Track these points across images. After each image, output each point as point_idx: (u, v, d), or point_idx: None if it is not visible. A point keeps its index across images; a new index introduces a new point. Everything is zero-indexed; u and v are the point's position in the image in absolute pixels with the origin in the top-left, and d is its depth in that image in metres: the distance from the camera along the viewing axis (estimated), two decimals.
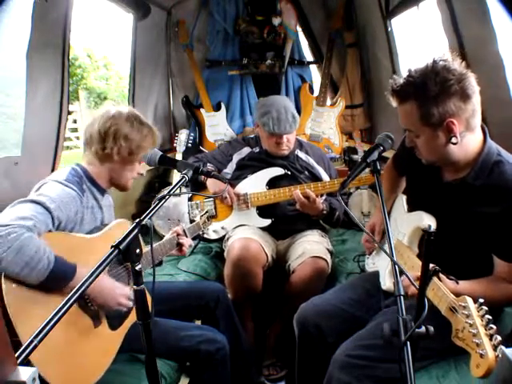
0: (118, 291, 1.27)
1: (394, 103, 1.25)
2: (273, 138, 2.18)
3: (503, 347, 0.82)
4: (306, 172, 2.29)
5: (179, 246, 1.65)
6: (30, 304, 1.08)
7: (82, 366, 1.19)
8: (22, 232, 1.06)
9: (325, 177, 2.30)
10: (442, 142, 1.19)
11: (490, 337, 0.87)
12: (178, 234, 1.65)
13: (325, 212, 2.15)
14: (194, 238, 1.83)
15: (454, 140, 1.18)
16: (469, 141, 1.21)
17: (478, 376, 0.86)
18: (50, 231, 1.20)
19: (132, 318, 1.37)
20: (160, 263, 1.67)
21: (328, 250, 2.10)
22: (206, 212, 1.90)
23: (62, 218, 1.23)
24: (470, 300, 0.96)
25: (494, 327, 0.88)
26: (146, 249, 1.37)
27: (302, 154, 2.33)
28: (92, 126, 1.42)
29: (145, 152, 1.43)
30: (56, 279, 1.11)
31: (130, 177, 1.49)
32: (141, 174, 1.53)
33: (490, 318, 0.89)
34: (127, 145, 1.40)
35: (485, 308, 0.91)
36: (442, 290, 1.07)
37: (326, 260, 1.99)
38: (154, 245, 1.48)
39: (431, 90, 1.13)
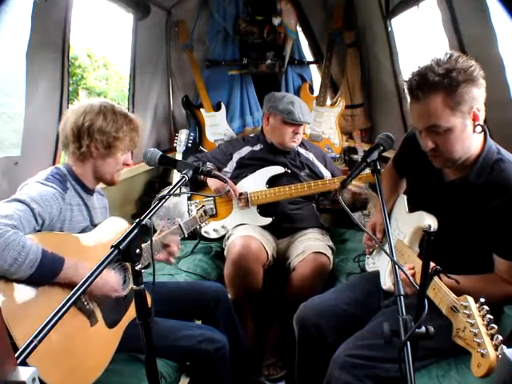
0: (111, 279, 1.27)
1: (413, 101, 1.19)
2: (291, 127, 2.22)
3: (504, 347, 0.83)
4: (307, 169, 2.30)
5: (165, 247, 1.55)
6: (25, 306, 1.08)
7: (81, 365, 1.18)
8: (7, 229, 1.06)
9: (325, 173, 2.33)
10: (470, 132, 1.18)
11: (492, 336, 0.87)
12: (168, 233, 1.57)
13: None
14: (192, 236, 1.81)
15: (478, 129, 1.18)
16: (473, 139, 1.21)
17: (479, 376, 0.86)
18: (39, 231, 1.20)
19: (129, 315, 1.37)
20: (147, 266, 1.56)
21: (329, 246, 2.10)
22: (203, 206, 1.89)
23: (44, 215, 1.21)
24: (471, 299, 0.96)
25: (496, 327, 0.88)
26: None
27: (302, 150, 2.35)
28: (65, 125, 1.39)
29: (123, 142, 1.39)
30: (45, 272, 1.11)
31: (115, 170, 1.44)
32: (127, 164, 1.48)
33: (491, 317, 0.89)
34: (103, 138, 1.36)
35: (486, 308, 0.91)
36: (443, 290, 1.07)
37: (327, 256, 1.99)
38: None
39: (458, 77, 1.12)
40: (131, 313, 1.37)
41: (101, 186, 1.54)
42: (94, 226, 1.44)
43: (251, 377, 1.89)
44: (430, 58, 1.18)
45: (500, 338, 0.86)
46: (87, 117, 1.36)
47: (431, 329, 0.86)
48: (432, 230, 0.83)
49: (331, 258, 2.04)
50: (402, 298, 0.92)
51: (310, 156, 2.34)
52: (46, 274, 1.12)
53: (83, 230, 1.37)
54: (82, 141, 1.36)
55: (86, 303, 1.23)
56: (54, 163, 1.97)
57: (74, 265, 1.17)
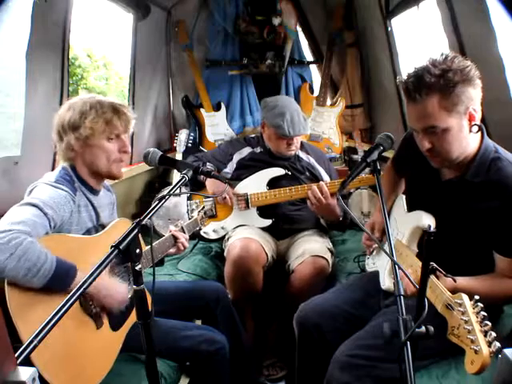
0: (117, 291, 1.26)
1: (409, 103, 1.20)
2: (284, 139, 2.19)
3: (497, 343, 0.83)
4: (307, 173, 2.29)
5: (175, 240, 1.60)
6: (34, 307, 1.08)
7: (86, 367, 1.18)
8: (24, 238, 1.05)
9: (325, 177, 2.30)
10: (466, 132, 1.19)
11: (485, 333, 0.87)
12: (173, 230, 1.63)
13: (341, 218, 2.16)
14: (191, 236, 1.82)
15: (474, 129, 1.19)
16: (469, 139, 1.21)
17: (473, 372, 0.86)
18: (47, 233, 1.19)
19: (133, 318, 1.37)
20: (162, 262, 1.66)
21: (328, 249, 2.10)
22: (203, 207, 1.90)
23: (57, 219, 1.21)
24: (465, 297, 0.96)
25: (489, 323, 0.88)
26: (145, 248, 1.37)
27: (302, 154, 2.34)
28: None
29: (97, 128, 1.33)
30: (58, 281, 1.10)
31: (109, 161, 1.37)
32: (125, 151, 1.40)
33: (485, 314, 0.89)
34: (77, 130, 1.32)
35: (480, 305, 0.91)
36: (439, 288, 1.07)
37: (326, 259, 1.99)
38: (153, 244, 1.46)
39: (454, 78, 1.12)
40: (134, 316, 1.37)
41: (108, 181, 1.52)
42: (101, 225, 1.43)
43: (251, 377, 1.89)
44: (426, 59, 1.18)
45: (493, 334, 0.86)
46: (58, 117, 1.36)
47: (431, 328, 0.86)
48: (431, 230, 0.83)
49: (330, 261, 2.03)
50: (401, 297, 0.92)
51: (311, 160, 2.33)
52: (60, 284, 1.11)
53: (88, 231, 1.37)
54: (62, 139, 1.36)
55: (92, 306, 1.23)
56: (53, 163, 1.97)
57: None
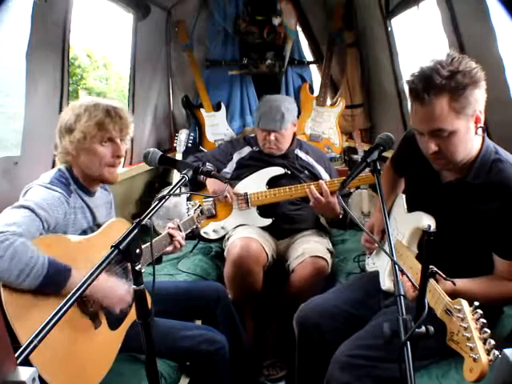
0: (119, 291, 1.25)
1: (416, 104, 1.17)
2: (262, 133, 2.22)
3: (497, 352, 0.82)
4: (306, 171, 2.29)
5: (171, 238, 1.59)
6: (31, 307, 1.08)
7: (85, 367, 1.18)
8: (15, 239, 1.05)
9: (325, 176, 2.31)
10: (472, 135, 1.18)
11: (484, 341, 0.86)
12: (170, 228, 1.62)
13: (341, 216, 2.16)
14: (192, 236, 1.81)
15: (480, 131, 1.18)
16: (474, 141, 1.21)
17: (471, 380, 0.85)
18: (41, 234, 1.18)
19: (131, 317, 1.37)
20: (159, 260, 1.66)
21: (328, 249, 2.10)
22: (199, 206, 1.89)
23: (51, 221, 1.21)
24: (465, 303, 0.95)
25: (488, 331, 0.87)
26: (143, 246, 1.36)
27: (301, 154, 2.34)
28: None
29: (89, 131, 1.32)
30: (51, 283, 1.10)
31: (98, 163, 1.36)
32: (118, 156, 1.39)
33: (485, 321, 0.89)
34: (71, 133, 1.33)
35: (479, 311, 0.90)
36: (438, 292, 1.06)
37: (325, 259, 1.98)
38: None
39: (464, 80, 1.10)
40: (133, 314, 1.37)
41: None
42: (97, 224, 1.43)
43: (251, 377, 1.89)
44: (430, 60, 1.16)
45: (492, 342, 0.85)
46: (61, 119, 1.37)
47: (431, 329, 0.86)
48: (431, 230, 0.83)
49: (330, 261, 2.02)
50: (401, 297, 0.92)
51: (310, 160, 2.33)
52: (53, 285, 1.10)
53: (84, 231, 1.37)
54: (61, 142, 1.36)
55: (89, 306, 1.23)
56: (53, 163, 1.97)
57: (83, 273, 1.16)
